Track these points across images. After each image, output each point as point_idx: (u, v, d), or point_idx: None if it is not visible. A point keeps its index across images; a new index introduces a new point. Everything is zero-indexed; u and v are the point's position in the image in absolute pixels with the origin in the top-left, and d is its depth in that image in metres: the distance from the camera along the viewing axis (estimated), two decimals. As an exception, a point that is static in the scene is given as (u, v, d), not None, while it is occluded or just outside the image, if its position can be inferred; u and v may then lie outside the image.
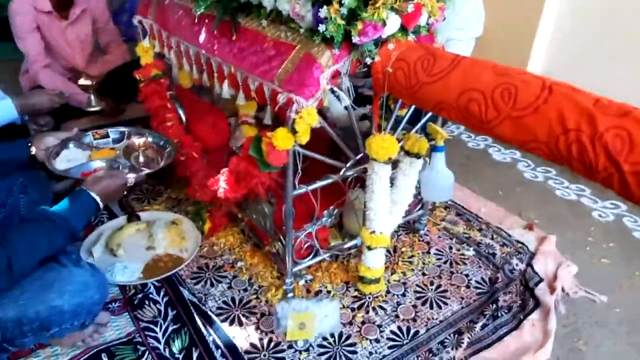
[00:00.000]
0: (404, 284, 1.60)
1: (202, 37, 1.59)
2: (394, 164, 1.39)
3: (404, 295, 1.55)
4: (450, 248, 1.77)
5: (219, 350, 1.33)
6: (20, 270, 1.10)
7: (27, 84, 2.56)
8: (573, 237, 1.85)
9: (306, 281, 1.59)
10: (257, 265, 1.64)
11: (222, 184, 1.47)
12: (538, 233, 1.83)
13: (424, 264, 1.69)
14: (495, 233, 1.84)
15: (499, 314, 1.48)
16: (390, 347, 1.38)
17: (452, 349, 1.37)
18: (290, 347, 1.36)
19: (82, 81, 2.42)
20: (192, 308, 1.44)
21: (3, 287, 1.09)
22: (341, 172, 1.45)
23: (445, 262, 1.70)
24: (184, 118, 1.93)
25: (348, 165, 1.44)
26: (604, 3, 2.33)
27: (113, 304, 1.47)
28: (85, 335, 1.31)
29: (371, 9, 1.14)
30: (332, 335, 1.40)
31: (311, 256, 1.52)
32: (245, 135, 1.96)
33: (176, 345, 1.34)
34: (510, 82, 0.97)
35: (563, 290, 1.56)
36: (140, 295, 1.49)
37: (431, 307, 1.51)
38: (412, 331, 1.43)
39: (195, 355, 1.31)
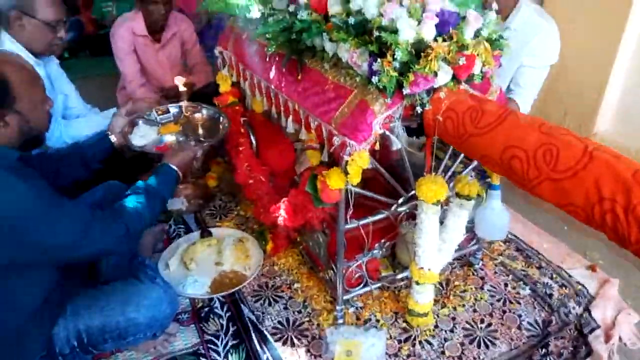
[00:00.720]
0: (454, 319, 1.62)
1: (272, 73, 1.72)
2: (445, 202, 1.43)
3: (452, 331, 1.58)
4: (506, 285, 1.76)
5: (272, 370, 1.45)
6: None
7: (123, 100, 2.87)
8: (638, 282, 1.75)
9: (356, 308, 1.66)
10: (312, 288, 1.74)
11: (282, 212, 1.60)
12: (601, 275, 1.76)
13: (476, 300, 1.70)
14: (555, 272, 1.79)
15: (549, 360, 1.47)
16: (433, 383, 1.42)
17: (495, 391, 1.38)
18: (336, 371, 1.45)
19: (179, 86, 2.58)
20: (250, 326, 1.58)
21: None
22: (392, 208, 1.51)
23: (498, 300, 1.70)
24: (254, 143, 2.08)
25: (399, 202, 1.50)
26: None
27: (183, 315, 1.64)
28: (156, 343, 1.49)
29: (423, 62, 1.20)
30: (377, 365, 1.47)
31: (361, 286, 1.59)
32: (310, 160, 2.07)
33: (233, 360, 1.49)
34: (553, 143, 0.99)
35: (620, 339, 1.50)
36: (206, 309, 1.65)
37: (479, 347, 1.52)
38: (456, 369, 1.46)
39: (249, 371, 1.44)
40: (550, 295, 1.69)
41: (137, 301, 1.32)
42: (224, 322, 1.61)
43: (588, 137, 1.24)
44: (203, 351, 1.51)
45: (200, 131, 1.96)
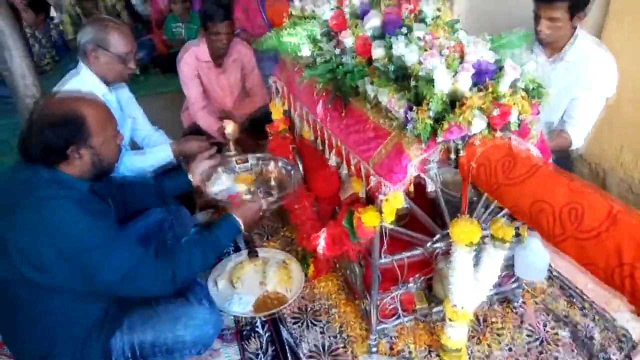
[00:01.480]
0: (487, 357, 1.63)
1: (319, 108, 1.81)
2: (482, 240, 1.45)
3: (484, 369, 1.59)
4: (545, 325, 1.74)
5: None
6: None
7: (186, 121, 3.08)
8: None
9: (390, 338, 1.71)
10: (349, 315, 1.81)
11: (321, 241, 1.69)
12: (647, 322, 1.70)
13: (512, 339, 1.69)
14: (598, 315, 1.75)
15: (583, 408, 1.45)
16: (460, 420, 1.44)
17: None
18: (366, 400, 1.51)
19: (226, 130, 2.73)
20: (287, 348, 1.67)
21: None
22: (427, 245, 1.55)
23: (535, 341, 1.68)
24: (301, 170, 2.18)
25: (434, 239, 1.54)
26: None
27: (227, 332, 1.76)
28: (201, 358, 1.61)
29: (458, 111, 1.24)
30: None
31: (394, 318, 1.64)
32: (354, 188, 2.14)
33: (270, 380, 1.58)
34: (580, 202, 1.01)
35: (662, 394, 1.46)
36: (248, 328, 1.77)
37: (510, 388, 1.53)
38: (485, 408, 1.47)
39: (283, 392, 1.53)
40: (591, 339, 1.66)
41: (185, 321, 1.45)
42: (264, 342, 1.71)
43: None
44: (243, 369, 1.62)
45: (272, 183, 2.01)
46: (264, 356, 1.66)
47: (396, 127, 1.40)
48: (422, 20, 1.52)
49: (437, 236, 1.54)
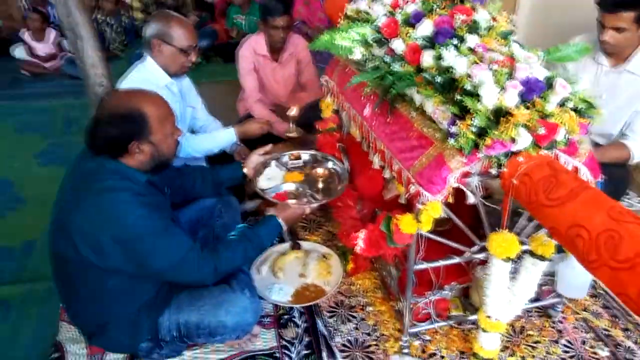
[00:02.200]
0: (519, 369, 1.64)
1: (366, 111, 1.85)
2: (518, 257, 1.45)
3: (514, 381, 1.60)
4: (583, 343, 1.71)
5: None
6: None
7: (241, 110, 3.20)
8: None
9: (423, 341, 1.74)
10: (384, 314, 1.86)
11: (360, 241, 1.74)
12: (696, 351, 1.64)
13: (547, 353, 1.68)
14: (642, 338, 1.70)
15: None
16: None
17: None
18: (393, 398, 1.56)
19: (289, 112, 2.80)
20: (321, 339, 1.75)
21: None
22: (465, 255, 1.56)
23: (572, 358, 1.66)
24: (347, 168, 2.23)
25: (472, 250, 1.55)
26: None
27: (266, 318, 1.86)
28: (241, 341, 1.72)
29: (502, 127, 1.24)
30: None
31: (427, 322, 1.67)
32: (397, 189, 2.17)
33: (303, 369, 1.67)
34: (617, 230, 1.00)
35: None
36: (286, 317, 1.86)
37: (539, 402, 1.53)
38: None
39: (315, 382, 1.62)
40: (631, 363, 1.62)
41: (227, 307, 1.56)
42: (300, 332, 1.79)
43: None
44: (278, 355, 1.71)
45: (320, 185, 2.00)
46: (299, 345, 1.74)
47: (440, 137, 1.42)
48: (475, 31, 1.52)
49: (476, 247, 1.55)
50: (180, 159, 2.22)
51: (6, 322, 1.93)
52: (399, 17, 1.64)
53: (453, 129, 1.29)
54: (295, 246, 2.19)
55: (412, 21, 1.60)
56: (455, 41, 1.47)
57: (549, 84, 1.28)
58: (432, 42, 1.52)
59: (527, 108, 1.26)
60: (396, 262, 1.66)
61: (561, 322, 1.79)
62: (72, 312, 1.62)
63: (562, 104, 1.28)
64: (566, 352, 1.69)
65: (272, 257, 2.13)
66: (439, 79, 1.40)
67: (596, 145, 2.28)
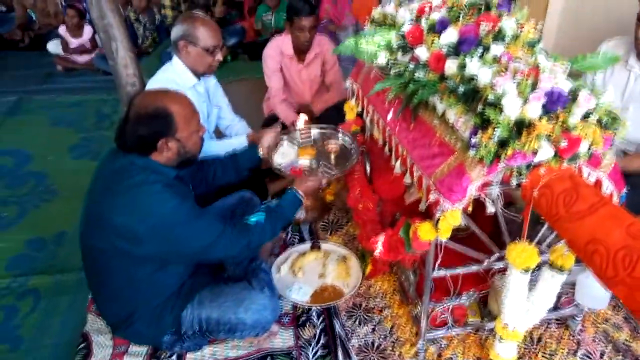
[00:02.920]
0: (535, 378, 1.63)
1: (389, 116, 1.86)
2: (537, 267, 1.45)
3: (530, 390, 1.60)
4: (602, 355, 1.70)
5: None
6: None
7: (267, 109, 3.24)
8: None
9: (440, 346, 1.76)
10: (401, 317, 1.88)
11: (379, 245, 1.75)
12: None
13: (565, 364, 1.68)
14: (664, 354, 1.67)
15: None
16: None
17: None
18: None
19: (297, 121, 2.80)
20: (338, 341, 1.78)
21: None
22: (484, 264, 1.57)
23: (589, 370, 1.65)
24: (368, 170, 2.25)
25: (491, 259, 1.55)
26: None
27: (285, 318, 1.90)
28: (260, 338, 1.76)
29: (524, 139, 1.24)
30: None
31: (445, 329, 1.68)
32: (419, 193, 2.18)
33: (319, 369, 1.70)
34: (636, 247, 0.99)
35: None
36: (304, 316, 1.90)
37: (555, 413, 1.53)
38: None
39: (330, 383, 1.65)
40: (651, 378, 1.60)
41: (246, 305, 1.61)
42: (317, 332, 1.83)
43: None
44: (295, 354, 1.75)
45: (332, 159, 2.15)
46: (316, 345, 1.78)
47: (461, 146, 1.43)
48: (501, 39, 1.51)
49: (495, 256, 1.55)
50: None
51: (36, 310, 2.02)
52: (424, 24, 1.65)
53: (474, 140, 1.29)
54: (316, 246, 2.22)
55: (438, 29, 1.60)
56: (480, 50, 1.47)
57: (574, 96, 1.27)
58: (456, 50, 1.53)
59: (550, 120, 1.26)
60: (414, 268, 1.68)
61: (580, 333, 1.78)
62: (100, 302, 1.70)
63: (586, 117, 1.27)
64: (584, 364, 1.68)
65: (292, 257, 2.17)
66: (461, 89, 1.40)
67: (624, 153, 2.24)
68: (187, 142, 1.57)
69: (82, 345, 1.79)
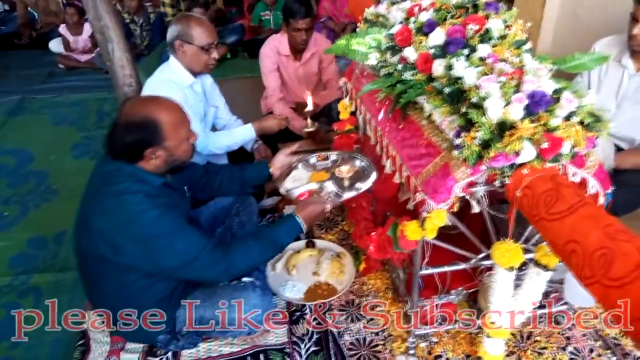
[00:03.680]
0: (524, 374, 1.66)
1: (380, 116, 1.88)
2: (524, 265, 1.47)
3: (519, 387, 1.62)
4: (591, 351, 1.72)
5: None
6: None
7: (265, 108, 3.27)
8: None
9: (430, 343, 1.78)
10: (393, 314, 1.90)
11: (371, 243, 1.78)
12: None
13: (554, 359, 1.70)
14: (652, 350, 1.69)
15: None
16: None
17: None
18: (397, 398, 1.61)
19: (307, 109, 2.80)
20: (330, 337, 1.81)
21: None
22: (472, 262, 1.59)
23: (577, 365, 1.68)
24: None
25: (478, 257, 1.58)
26: None
27: (278, 314, 1.93)
28: (254, 335, 1.80)
29: (506, 140, 1.26)
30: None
31: (434, 325, 1.71)
32: (407, 192, 2.20)
33: (311, 365, 1.73)
34: (611, 247, 1.01)
35: None
36: (298, 313, 1.93)
37: (542, 409, 1.55)
38: None
39: (322, 378, 1.68)
40: (638, 374, 1.62)
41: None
42: (310, 329, 1.86)
43: None
44: (289, 350, 1.78)
45: (346, 183, 1.89)
46: (309, 341, 1.81)
47: (447, 146, 1.44)
48: (488, 40, 1.52)
49: (481, 255, 1.57)
50: (202, 156, 2.31)
51: (38, 308, 2.07)
52: (412, 25, 1.66)
53: (458, 141, 1.31)
54: (310, 244, 2.25)
55: (425, 30, 1.61)
56: (466, 51, 1.49)
57: (557, 98, 1.29)
58: (444, 51, 1.54)
59: (533, 122, 1.27)
60: (404, 266, 1.70)
61: (570, 330, 1.80)
62: (94, 303, 1.73)
63: (568, 118, 1.28)
64: (573, 359, 1.69)
65: (287, 255, 2.19)
66: (447, 90, 1.42)
67: (618, 149, 2.25)
68: (175, 150, 1.55)
69: (80, 342, 1.83)
